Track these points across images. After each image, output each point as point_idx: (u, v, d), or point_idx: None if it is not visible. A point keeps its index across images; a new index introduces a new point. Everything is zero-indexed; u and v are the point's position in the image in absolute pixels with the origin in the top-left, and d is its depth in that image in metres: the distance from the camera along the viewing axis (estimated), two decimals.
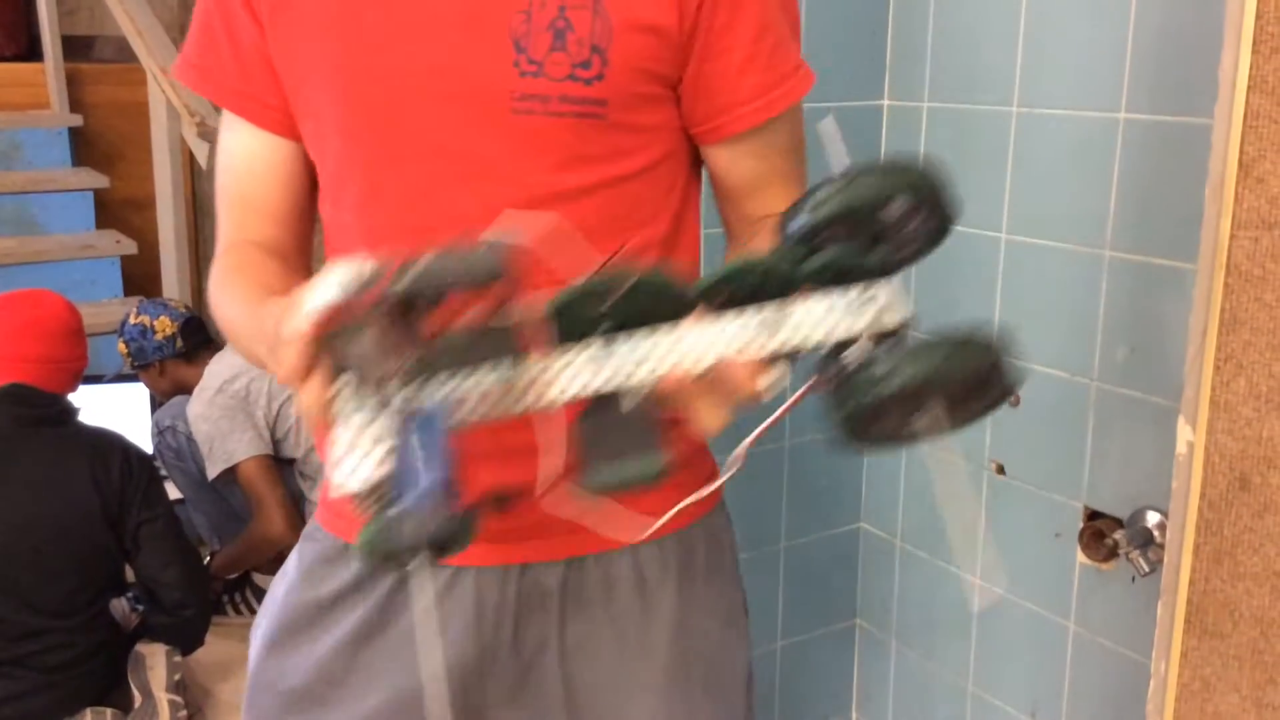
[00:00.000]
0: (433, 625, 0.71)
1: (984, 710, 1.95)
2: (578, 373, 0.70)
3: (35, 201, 4.08)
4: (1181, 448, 1.10)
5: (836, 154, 0.73)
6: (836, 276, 0.69)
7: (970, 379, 0.69)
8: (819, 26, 1.85)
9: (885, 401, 0.68)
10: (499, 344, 0.68)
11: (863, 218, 0.68)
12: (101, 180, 4.16)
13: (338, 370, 0.68)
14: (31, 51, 4.53)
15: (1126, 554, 1.58)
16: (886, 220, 0.69)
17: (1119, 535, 1.61)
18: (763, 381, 0.71)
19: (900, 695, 2.12)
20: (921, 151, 1.90)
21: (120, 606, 2.56)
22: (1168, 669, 1.14)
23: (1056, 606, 1.80)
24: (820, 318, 0.69)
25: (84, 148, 4.34)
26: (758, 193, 1.05)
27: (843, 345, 0.70)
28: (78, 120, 4.29)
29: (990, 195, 1.79)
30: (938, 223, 0.70)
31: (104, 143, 4.36)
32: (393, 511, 0.67)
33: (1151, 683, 1.16)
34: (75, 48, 4.45)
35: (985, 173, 1.79)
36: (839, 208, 0.68)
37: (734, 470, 0.77)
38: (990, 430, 1.85)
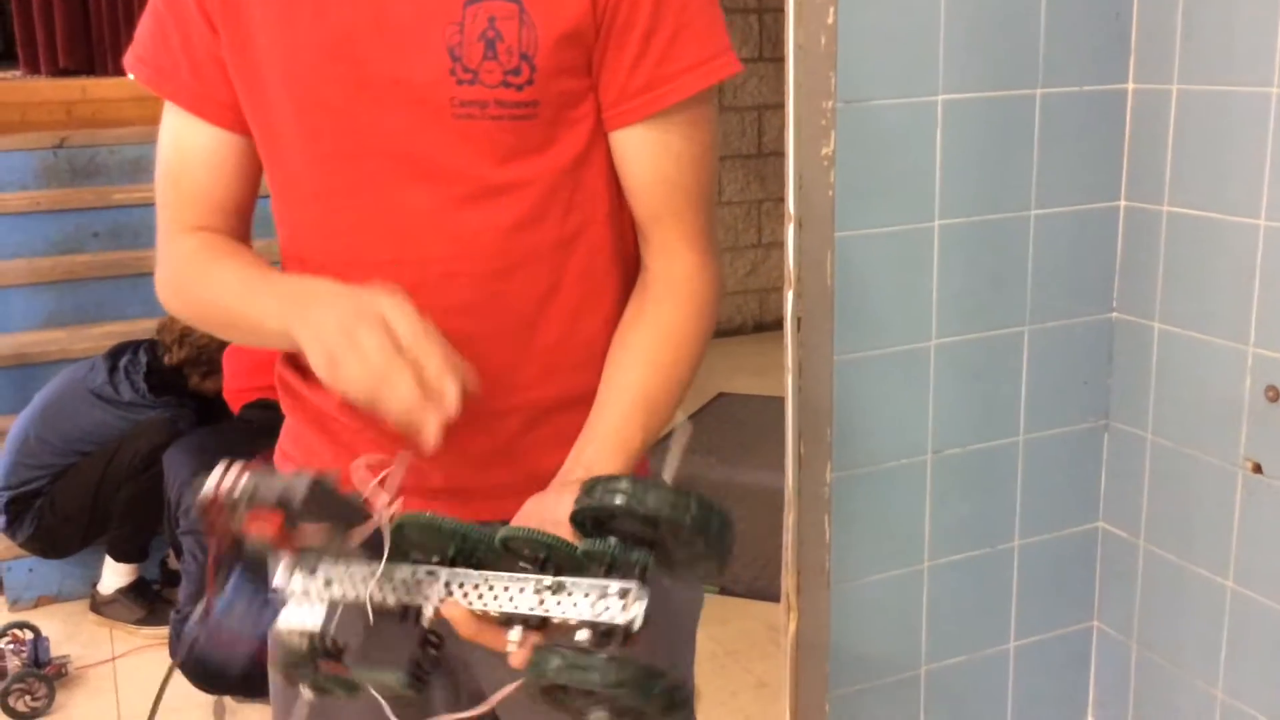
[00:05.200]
0: None
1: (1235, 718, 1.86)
2: (385, 585, 0.85)
3: None
4: None
5: (670, 461, 0.88)
6: (607, 564, 0.80)
7: (636, 705, 0.77)
8: (1058, 7, 1.79)
9: (554, 688, 0.79)
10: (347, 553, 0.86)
11: (638, 523, 0.79)
12: None
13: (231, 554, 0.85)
14: None
15: None
16: (662, 533, 0.79)
17: None
18: (508, 649, 0.82)
19: (1141, 702, 2.04)
20: (1170, 136, 1.82)
21: None
22: None
23: None
24: (572, 603, 0.80)
25: None
26: (656, 203, 1.06)
27: (583, 624, 0.80)
28: None
29: (1248, 180, 1.70)
30: (709, 556, 0.80)
31: None
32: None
33: None
34: None
35: (1241, 157, 1.70)
36: (619, 506, 0.78)
37: (503, 694, 0.86)
38: (1246, 427, 1.76)
